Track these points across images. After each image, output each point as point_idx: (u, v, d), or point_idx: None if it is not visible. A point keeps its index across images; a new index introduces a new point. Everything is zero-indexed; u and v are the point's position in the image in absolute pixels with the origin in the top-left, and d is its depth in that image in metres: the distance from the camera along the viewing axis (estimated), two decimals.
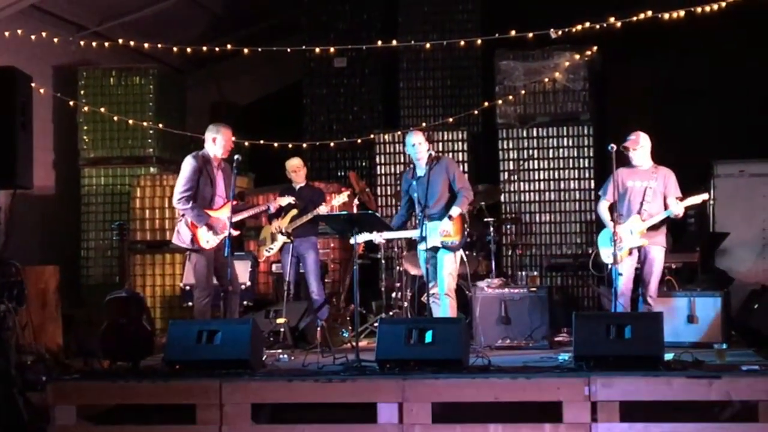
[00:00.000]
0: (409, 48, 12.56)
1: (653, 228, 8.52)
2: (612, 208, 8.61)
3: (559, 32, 9.73)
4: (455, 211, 8.60)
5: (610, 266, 8.63)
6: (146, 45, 11.07)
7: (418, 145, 8.68)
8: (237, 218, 8.55)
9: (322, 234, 10.79)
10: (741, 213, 11.32)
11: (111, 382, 7.40)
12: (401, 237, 9.08)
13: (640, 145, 8.64)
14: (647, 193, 8.55)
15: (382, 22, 13.46)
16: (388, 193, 12.14)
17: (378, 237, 8.64)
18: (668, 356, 7.36)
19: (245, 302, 10.35)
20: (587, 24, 9.82)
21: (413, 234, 8.71)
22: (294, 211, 10.00)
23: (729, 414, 6.79)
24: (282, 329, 9.43)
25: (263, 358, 8.01)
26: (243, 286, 10.31)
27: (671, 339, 8.32)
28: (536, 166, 11.87)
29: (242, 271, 10.39)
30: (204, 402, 7.11)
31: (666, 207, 8.53)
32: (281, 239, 9.97)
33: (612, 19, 9.67)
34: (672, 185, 8.63)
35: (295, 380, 7.21)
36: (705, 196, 8.59)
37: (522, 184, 11.86)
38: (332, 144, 12.47)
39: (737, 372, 6.97)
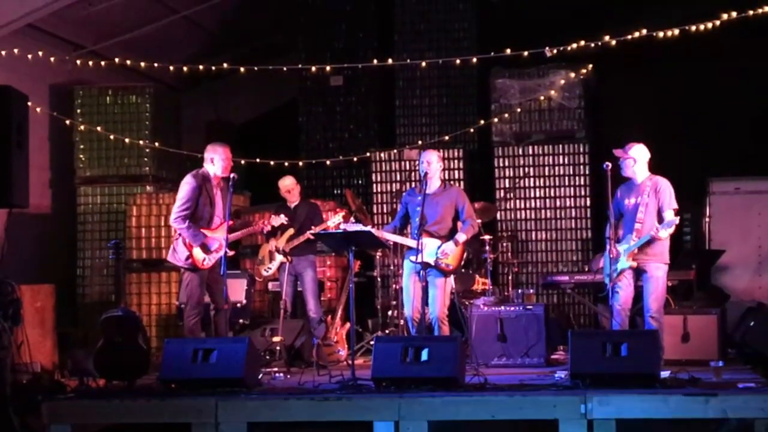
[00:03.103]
0: (405, 66, 12.59)
1: (646, 246, 8.23)
2: (616, 227, 8.50)
3: (554, 51, 9.75)
4: (461, 237, 8.64)
5: (609, 286, 8.57)
6: (142, 64, 11.08)
7: (426, 164, 8.69)
8: (231, 238, 8.57)
9: (320, 252, 10.77)
10: (736, 230, 11.33)
11: (106, 401, 7.40)
12: (396, 241, 9.06)
13: (630, 156, 8.34)
14: (639, 209, 8.26)
15: (378, 41, 13.48)
16: (384, 211, 12.13)
17: (375, 231, 8.69)
18: (664, 374, 7.37)
19: (241, 320, 10.33)
20: (582, 42, 9.84)
21: (409, 242, 8.71)
22: (291, 231, 10.00)
23: (725, 431, 6.78)
24: (278, 347, 9.41)
25: (259, 377, 8.00)
26: (239, 305, 10.31)
27: (667, 356, 8.33)
28: (532, 184, 11.88)
29: (238, 289, 10.37)
30: (199, 421, 7.11)
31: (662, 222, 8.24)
32: (279, 258, 9.97)
33: (607, 38, 9.69)
34: (665, 198, 8.26)
35: (290, 399, 7.22)
36: (676, 220, 8.18)
37: (518, 201, 11.87)
38: (328, 162, 12.47)
39: (733, 389, 6.98)
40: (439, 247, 8.57)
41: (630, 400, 6.80)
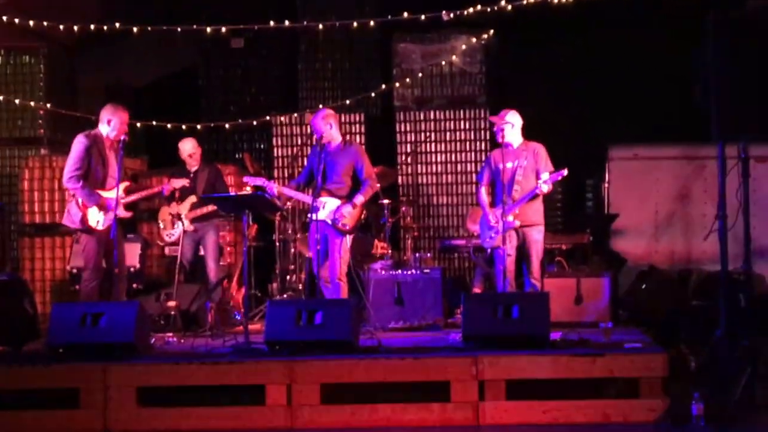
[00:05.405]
0: (307, 29, 12.45)
1: (526, 207, 8.51)
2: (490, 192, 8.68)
3: (451, 15, 9.74)
4: (359, 199, 8.63)
5: (489, 250, 8.73)
6: (31, 23, 10.74)
7: (322, 125, 8.68)
8: (129, 200, 8.48)
9: (221, 217, 10.63)
10: (635, 196, 11.46)
11: None
12: (295, 197, 9.00)
13: (506, 122, 8.61)
14: (518, 172, 8.53)
15: (281, 3, 13.30)
16: (285, 175, 12.03)
17: (272, 186, 8.62)
18: (555, 335, 7.46)
19: (135, 285, 10.17)
20: (479, 7, 9.85)
21: (308, 199, 8.66)
22: (193, 198, 9.81)
23: (614, 391, 6.89)
24: (173, 312, 9.28)
25: (151, 341, 7.89)
26: (132, 269, 10.14)
27: (560, 319, 8.43)
28: (433, 149, 11.91)
29: (132, 253, 10.21)
30: (88, 386, 7.02)
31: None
32: (181, 225, 9.79)
33: (503, 2, 9.70)
34: (543, 160, 8.62)
35: (181, 363, 7.13)
36: (564, 173, 8.46)
37: (419, 166, 11.89)
38: (227, 125, 12.28)
39: (620, 350, 7.08)
40: (338, 209, 8.54)
41: (519, 361, 6.88)
